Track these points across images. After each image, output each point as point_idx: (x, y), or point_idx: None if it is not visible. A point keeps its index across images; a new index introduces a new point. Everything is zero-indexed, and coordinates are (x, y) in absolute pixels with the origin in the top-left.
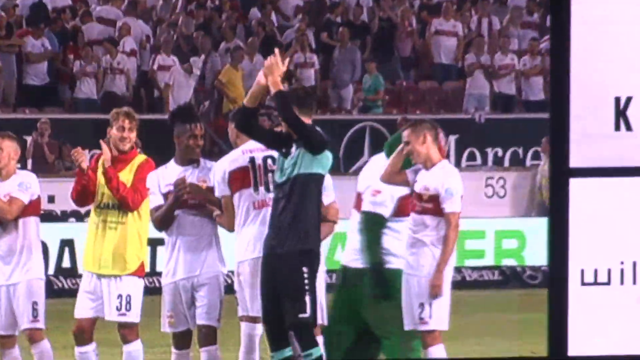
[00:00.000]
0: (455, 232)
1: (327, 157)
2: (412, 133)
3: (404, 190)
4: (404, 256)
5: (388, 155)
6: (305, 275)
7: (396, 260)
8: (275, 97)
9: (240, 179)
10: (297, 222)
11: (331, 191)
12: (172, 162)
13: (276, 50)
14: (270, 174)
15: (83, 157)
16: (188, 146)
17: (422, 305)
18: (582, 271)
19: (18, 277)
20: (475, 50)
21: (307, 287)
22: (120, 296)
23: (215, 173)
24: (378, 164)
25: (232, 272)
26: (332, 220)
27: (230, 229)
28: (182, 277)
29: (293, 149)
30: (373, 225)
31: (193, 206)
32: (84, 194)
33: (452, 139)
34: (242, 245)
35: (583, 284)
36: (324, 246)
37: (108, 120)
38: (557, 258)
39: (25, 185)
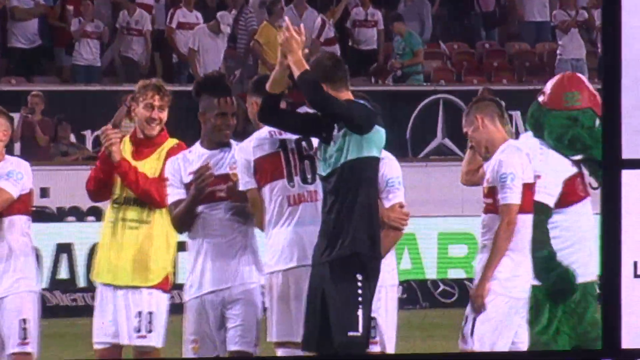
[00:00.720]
0: (508, 231)
1: (379, 132)
2: (465, 122)
3: (570, 171)
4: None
5: (531, 128)
6: (359, 284)
7: (564, 261)
8: (298, 81)
9: (269, 168)
10: (347, 220)
11: (398, 188)
12: (197, 145)
13: (286, 19)
14: (307, 161)
15: (117, 139)
16: (215, 126)
17: (466, 318)
18: (635, 263)
19: (4, 289)
20: (566, 4)
21: (360, 299)
22: (139, 314)
23: (237, 161)
24: (527, 140)
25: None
26: (398, 227)
27: (262, 228)
28: (209, 291)
29: (335, 132)
30: (537, 218)
31: (222, 200)
32: (105, 187)
33: None
34: (274, 251)
35: (636, 276)
36: (393, 254)
37: (115, 93)
38: (609, 250)
39: (16, 175)
